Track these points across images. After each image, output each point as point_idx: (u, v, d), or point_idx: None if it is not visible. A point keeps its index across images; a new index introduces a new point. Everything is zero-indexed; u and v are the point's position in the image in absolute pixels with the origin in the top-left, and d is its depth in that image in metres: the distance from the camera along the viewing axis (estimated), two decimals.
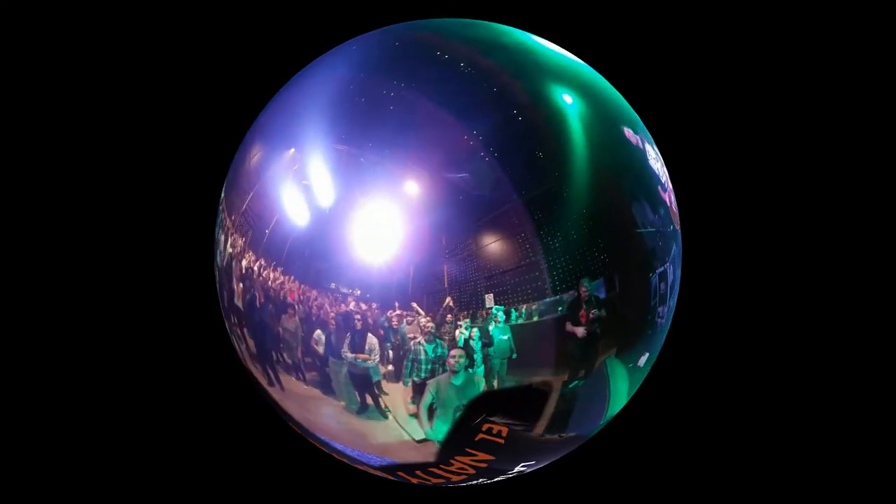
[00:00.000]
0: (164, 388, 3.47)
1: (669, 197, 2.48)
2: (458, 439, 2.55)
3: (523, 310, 2.33)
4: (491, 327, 2.36)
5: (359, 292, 2.42)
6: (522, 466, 2.67)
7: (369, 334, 2.46)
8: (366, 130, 2.44)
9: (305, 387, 2.74)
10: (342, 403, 2.71)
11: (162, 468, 3.27)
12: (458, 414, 2.45)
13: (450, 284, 2.33)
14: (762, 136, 3.66)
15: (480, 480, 2.71)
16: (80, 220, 3.54)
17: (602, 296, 2.33)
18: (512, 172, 2.31)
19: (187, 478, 3.25)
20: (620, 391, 2.51)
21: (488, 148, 2.31)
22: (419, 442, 2.60)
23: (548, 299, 2.32)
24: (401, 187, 2.36)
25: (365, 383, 2.62)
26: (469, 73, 2.41)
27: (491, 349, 2.36)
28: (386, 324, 2.43)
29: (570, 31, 2.95)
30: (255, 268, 2.70)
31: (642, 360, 2.47)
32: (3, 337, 3.46)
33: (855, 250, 3.59)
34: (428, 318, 2.38)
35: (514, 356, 2.37)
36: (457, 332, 2.37)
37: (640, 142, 2.43)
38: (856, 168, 3.60)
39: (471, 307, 2.34)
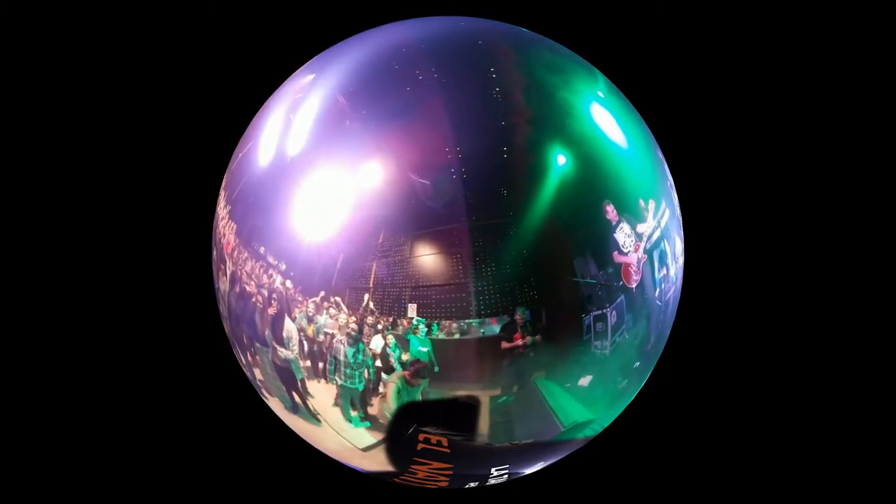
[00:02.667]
0: (163, 385, 3.44)
1: (633, 263, 2.46)
2: (398, 449, 2.58)
3: (447, 326, 2.36)
4: (411, 337, 2.39)
5: (284, 267, 2.45)
6: (500, 471, 2.67)
7: (287, 319, 2.47)
8: (371, 96, 2.49)
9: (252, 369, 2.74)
10: (277, 399, 2.74)
11: (161, 467, 3.28)
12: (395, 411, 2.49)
13: (374, 284, 2.37)
14: (765, 137, 3.61)
15: (472, 484, 2.72)
16: (79, 218, 3.52)
17: (533, 326, 2.37)
18: (471, 197, 2.35)
19: (187, 477, 3.27)
20: (563, 405, 2.50)
21: (461, 168, 2.35)
22: (365, 450, 2.63)
23: (471, 321, 2.35)
24: (364, 167, 2.40)
25: (289, 378, 2.60)
26: (495, 99, 2.45)
27: (412, 357, 2.40)
28: (302, 310, 2.44)
29: (572, 30, 2.96)
30: (220, 197, 2.72)
31: (584, 381, 2.47)
32: (3, 337, 3.42)
33: (855, 253, 3.53)
34: (351, 317, 2.41)
35: (436, 369, 2.40)
36: (375, 337, 2.40)
37: (615, 218, 2.43)
38: (856, 169, 3.55)
39: (392, 313, 2.37)
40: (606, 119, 2.57)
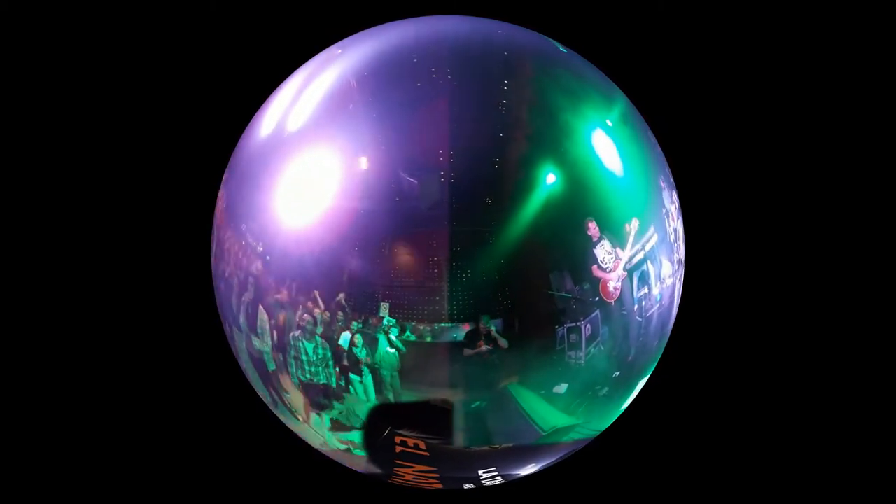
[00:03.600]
0: (161, 384, 3.41)
1: (612, 280, 2.44)
2: (376, 451, 2.58)
3: (419, 328, 2.36)
4: (381, 337, 2.38)
5: (261, 248, 2.44)
6: (488, 473, 2.66)
7: (260, 307, 2.45)
8: (382, 84, 2.49)
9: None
10: (261, 392, 2.73)
11: (158, 463, 3.25)
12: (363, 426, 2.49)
13: (349, 279, 2.36)
14: (768, 139, 3.60)
15: (469, 486, 2.71)
16: (78, 216, 3.50)
17: (501, 333, 2.36)
18: (455, 202, 2.35)
19: (184, 474, 3.24)
20: (539, 411, 2.49)
21: (451, 172, 2.35)
22: (345, 452, 2.63)
23: (444, 325, 2.34)
24: (356, 157, 2.40)
25: (264, 370, 2.58)
26: (500, 111, 2.45)
27: (377, 358, 2.38)
28: (275, 298, 2.43)
29: (574, 29, 2.97)
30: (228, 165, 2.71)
31: (559, 389, 2.46)
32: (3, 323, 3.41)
33: (856, 257, 3.52)
34: (325, 312, 2.39)
35: (401, 370, 2.40)
36: (343, 333, 2.38)
37: (596, 234, 2.43)
38: (858, 172, 3.53)
39: (364, 311, 2.36)
40: (606, 146, 2.56)
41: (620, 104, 2.74)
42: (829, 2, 3.56)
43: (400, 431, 2.51)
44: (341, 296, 2.37)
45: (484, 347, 2.35)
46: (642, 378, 2.74)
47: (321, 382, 2.45)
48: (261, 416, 2.86)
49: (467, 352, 2.36)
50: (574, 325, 2.41)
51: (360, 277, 2.35)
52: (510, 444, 2.57)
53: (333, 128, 2.46)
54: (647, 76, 3.43)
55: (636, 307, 2.52)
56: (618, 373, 2.56)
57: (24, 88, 3.47)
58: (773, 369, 3.49)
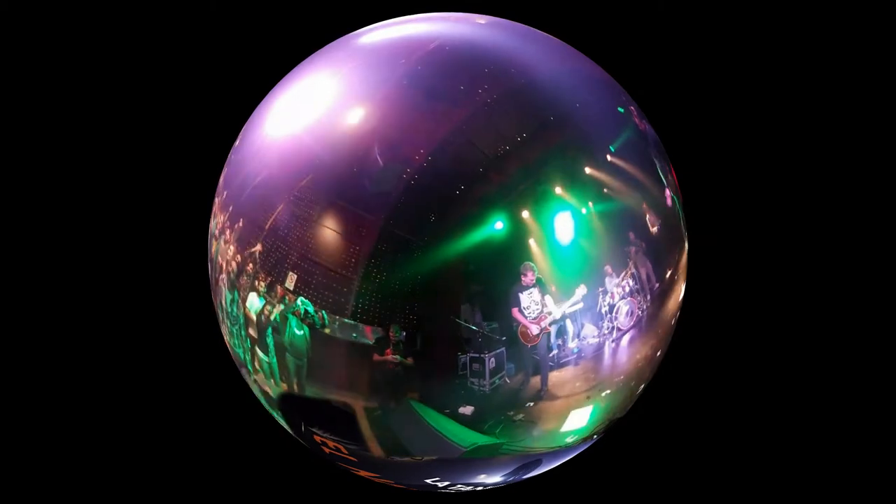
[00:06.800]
0: (160, 385, 3.41)
1: (534, 327, 2.37)
2: (311, 448, 2.55)
3: (322, 313, 2.29)
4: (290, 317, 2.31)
5: (237, 142, 2.48)
6: (440, 482, 2.59)
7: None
8: (440, 66, 2.48)
9: None
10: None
11: (156, 467, 3.24)
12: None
13: (271, 227, 2.30)
14: (770, 140, 3.58)
15: (442, 490, 2.65)
16: (77, 213, 3.54)
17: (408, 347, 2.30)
18: (401, 203, 2.30)
19: (183, 478, 3.23)
20: (449, 428, 2.40)
21: (415, 174, 2.31)
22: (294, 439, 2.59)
23: (345, 320, 2.27)
24: (347, 112, 2.39)
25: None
26: (497, 153, 2.40)
27: (286, 340, 2.32)
28: (216, 219, 2.41)
29: (575, 28, 2.94)
30: None
31: (466, 410, 2.38)
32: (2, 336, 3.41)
33: (857, 260, 3.50)
34: (235, 252, 2.34)
35: (307, 360, 2.34)
36: (251, 294, 2.31)
37: (530, 281, 2.35)
38: (862, 174, 3.51)
39: (273, 273, 2.29)
40: (565, 223, 2.49)
41: (611, 206, 2.69)
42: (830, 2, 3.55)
43: (313, 429, 2.43)
44: (258, 246, 2.30)
45: (391, 357, 2.28)
46: (579, 409, 2.63)
47: (239, 356, 2.39)
48: (260, 414, 2.81)
49: (377, 357, 2.29)
50: (478, 356, 2.33)
51: (281, 232, 2.29)
52: (433, 457, 2.46)
53: (368, 70, 2.46)
54: (647, 76, 3.39)
55: (550, 354, 2.43)
56: (531, 403, 2.45)
57: (22, 88, 3.54)
58: (775, 371, 3.44)
